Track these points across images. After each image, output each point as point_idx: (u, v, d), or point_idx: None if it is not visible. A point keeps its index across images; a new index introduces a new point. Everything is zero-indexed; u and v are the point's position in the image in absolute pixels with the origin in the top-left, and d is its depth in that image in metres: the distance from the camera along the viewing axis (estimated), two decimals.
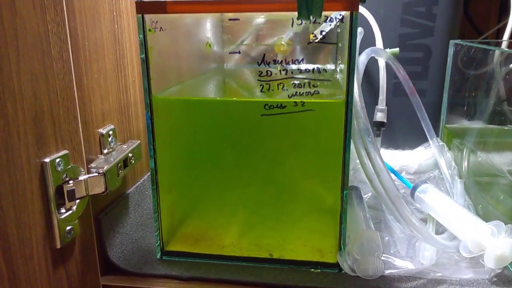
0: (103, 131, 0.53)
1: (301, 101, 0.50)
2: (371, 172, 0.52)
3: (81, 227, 0.47)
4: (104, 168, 0.48)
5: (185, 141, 0.56)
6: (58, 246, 0.43)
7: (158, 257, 0.58)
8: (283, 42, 0.52)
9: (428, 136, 0.81)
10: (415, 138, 0.89)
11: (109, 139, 0.54)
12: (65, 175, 0.44)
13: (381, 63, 0.78)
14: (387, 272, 0.52)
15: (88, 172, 0.48)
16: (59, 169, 0.43)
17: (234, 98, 0.53)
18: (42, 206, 0.41)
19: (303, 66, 0.51)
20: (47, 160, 0.41)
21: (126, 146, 0.57)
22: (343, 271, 0.54)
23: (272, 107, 0.51)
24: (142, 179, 0.66)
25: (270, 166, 0.54)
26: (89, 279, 0.50)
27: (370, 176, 0.52)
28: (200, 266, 0.56)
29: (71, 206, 0.45)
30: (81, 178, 0.46)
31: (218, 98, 0.58)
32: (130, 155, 0.55)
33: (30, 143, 0.39)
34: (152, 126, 0.54)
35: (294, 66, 0.51)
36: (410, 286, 0.50)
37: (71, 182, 0.45)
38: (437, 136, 0.84)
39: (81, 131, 0.47)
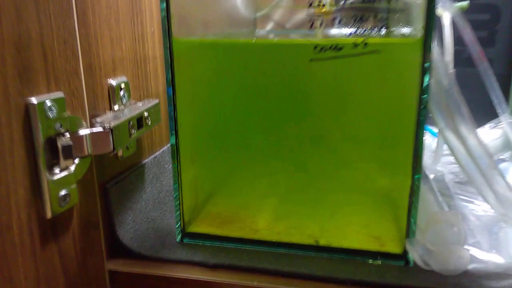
0: (113, 82, 0.43)
1: (363, 41, 0.39)
2: (453, 137, 0.40)
3: (81, 195, 0.37)
4: (112, 124, 0.38)
5: (213, 99, 0.45)
6: (49, 216, 0.33)
7: (178, 240, 0.47)
8: None
9: (499, 111, 0.68)
10: (479, 115, 0.76)
11: (121, 94, 0.44)
12: (59, 125, 0.34)
13: (446, 20, 0.66)
14: (470, 266, 0.40)
15: (91, 126, 0.38)
16: (51, 115, 0.33)
17: (275, 39, 0.42)
18: (26, 160, 0.31)
19: None
20: (34, 101, 0.31)
21: (141, 104, 0.46)
22: (410, 264, 0.43)
23: (324, 49, 0.40)
24: (162, 150, 0.56)
25: (319, 130, 0.43)
26: (91, 262, 0.40)
27: (451, 143, 0.40)
28: (228, 251, 0.45)
29: (67, 166, 0.35)
30: (81, 132, 0.36)
31: (254, 40, 0.47)
32: (145, 114, 0.45)
33: (9, 74, 0.29)
34: (173, 78, 0.44)
35: None
36: (504, 286, 0.38)
37: (67, 135, 0.35)
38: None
39: (83, 74, 0.37)
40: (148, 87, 0.51)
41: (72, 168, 0.36)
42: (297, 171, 0.47)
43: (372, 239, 0.45)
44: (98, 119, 0.39)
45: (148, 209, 0.50)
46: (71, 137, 0.35)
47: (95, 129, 0.37)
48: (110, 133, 0.38)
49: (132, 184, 0.48)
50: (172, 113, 0.45)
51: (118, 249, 0.45)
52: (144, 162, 0.51)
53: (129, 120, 0.41)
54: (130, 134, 0.41)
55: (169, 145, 0.57)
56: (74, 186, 0.36)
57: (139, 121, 0.44)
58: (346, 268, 0.42)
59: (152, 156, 0.53)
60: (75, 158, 0.36)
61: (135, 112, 0.43)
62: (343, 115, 0.42)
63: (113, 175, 0.45)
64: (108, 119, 0.39)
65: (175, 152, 0.46)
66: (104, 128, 0.37)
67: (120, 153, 0.45)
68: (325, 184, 0.46)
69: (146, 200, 0.50)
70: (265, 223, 0.48)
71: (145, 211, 0.49)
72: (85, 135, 0.36)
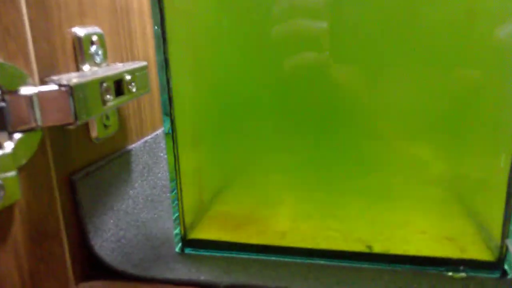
0: (80, 32, 0.31)
1: None
2: None
3: (27, 189, 0.25)
4: (73, 81, 0.25)
5: (221, 63, 0.33)
6: None
7: (177, 250, 0.35)
8: None
9: None
10: None
11: (92, 50, 0.32)
12: None
13: None
14: None
15: (42, 83, 0.26)
16: None
17: None
18: None
19: None
20: None
21: (122, 65, 0.34)
22: (510, 275, 0.30)
23: None
24: (156, 133, 0.43)
25: (369, 99, 0.31)
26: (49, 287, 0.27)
27: None
28: (246, 265, 0.33)
29: (0, 143, 0.23)
30: (24, 91, 0.24)
31: None
32: (128, 77, 0.32)
33: None
34: (164, 34, 0.31)
35: None
36: None
37: None
38: None
39: (25, 14, 0.25)
40: (132, 49, 0.38)
41: (9, 146, 0.23)
42: (336, 155, 0.34)
43: (446, 242, 0.33)
44: (54, 77, 0.27)
45: (137, 209, 0.38)
46: (5, 98, 0.23)
47: (45, 88, 0.25)
48: (70, 95, 0.25)
49: (113, 176, 0.35)
50: (165, 82, 0.32)
51: (93, 267, 0.32)
52: (130, 147, 0.38)
53: (101, 81, 0.29)
54: (104, 102, 0.29)
55: None
56: (13, 174, 0.23)
57: (118, 85, 0.31)
58: (418, 284, 0.29)
59: (142, 141, 0.40)
60: (14, 131, 0.24)
61: (111, 72, 0.30)
62: (401, 68, 0.30)
63: (85, 163, 0.32)
64: (68, 77, 0.27)
65: (171, 137, 0.33)
66: (60, 85, 0.25)
67: (94, 132, 0.33)
68: (376, 171, 0.34)
69: (135, 197, 0.38)
70: (294, 224, 0.35)
71: (132, 213, 0.37)
72: (31, 95, 0.24)
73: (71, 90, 0.25)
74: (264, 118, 0.35)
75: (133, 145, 0.39)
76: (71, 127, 0.26)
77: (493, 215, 0.32)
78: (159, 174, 0.42)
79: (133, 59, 0.39)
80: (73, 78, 0.26)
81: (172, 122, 0.34)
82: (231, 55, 0.34)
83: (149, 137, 0.41)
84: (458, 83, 0.30)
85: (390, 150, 0.34)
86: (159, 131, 0.44)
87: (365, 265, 0.32)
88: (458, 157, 0.33)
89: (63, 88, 0.25)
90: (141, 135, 0.41)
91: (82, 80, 0.27)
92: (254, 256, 0.34)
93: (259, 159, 0.37)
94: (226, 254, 0.34)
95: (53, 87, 0.25)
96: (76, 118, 0.26)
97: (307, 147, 0.35)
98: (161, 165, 0.43)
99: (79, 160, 0.32)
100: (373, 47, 0.30)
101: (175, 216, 0.35)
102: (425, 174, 0.35)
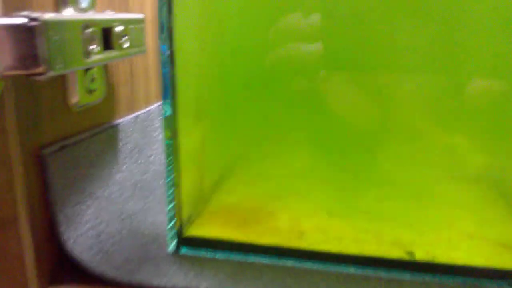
0: None
1: None
2: None
3: None
4: (46, 16, 0.19)
5: (231, 21, 0.27)
6: None
7: (170, 250, 0.28)
8: None
9: None
10: None
11: None
12: None
13: None
14: None
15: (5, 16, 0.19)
16: None
17: None
18: None
19: None
20: None
21: (113, 13, 0.27)
22: None
23: None
24: (149, 108, 0.36)
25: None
26: None
27: None
28: (257, 271, 0.26)
29: None
30: None
31: None
32: (119, 28, 0.26)
33: None
34: None
35: None
36: None
37: None
38: None
39: None
40: (127, 0, 0.32)
41: None
42: (364, 138, 0.28)
43: (502, 249, 0.27)
44: (24, 12, 0.20)
45: (123, 198, 0.31)
46: None
47: (6, 20, 0.18)
48: (41, 34, 0.18)
49: (95, 155, 0.28)
50: (164, 32, 0.26)
51: (64, 268, 0.25)
52: (118, 122, 0.31)
53: (85, 24, 0.22)
54: (88, 53, 0.22)
55: (160, 102, 0.38)
56: None
57: (107, 36, 0.25)
58: None
59: (133, 115, 0.33)
60: None
61: (98, 17, 0.24)
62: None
63: (60, 135, 0.26)
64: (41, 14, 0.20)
65: (170, 118, 0.27)
66: (29, 19, 0.18)
67: (74, 96, 0.26)
68: (412, 163, 0.28)
69: (121, 183, 0.31)
70: (316, 221, 0.29)
71: (117, 202, 0.30)
72: None
73: (43, 27, 0.19)
74: (278, 94, 0.29)
75: (122, 120, 0.32)
76: (41, 78, 0.19)
77: None
78: (152, 157, 0.36)
79: (127, 11, 0.32)
80: (47, 15, 0.20)
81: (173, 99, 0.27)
82: (240, 27, 0.27)
83: (142, 111, 0.35)
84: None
85: (427, 139, 0.28)
86: (154, 106, 0.37)
87: (407, 276, 0.26)
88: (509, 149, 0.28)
89: (32, 23, 0.18)
90: (132, 108, 0.34)
91: (59, 18, 0.20)
92: (266, 260, 0.27)
93: (272, 141, 0.31)
94: (231, 257, 0.28)
95: (16, 19, 0.18)
96: (48, 66, 0.19)
97: (329, 128, 0.29)
98: (154, 147, 0.36)
99: (53, 131, 0.25)
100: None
101: (169, 207, 0.28)
102: (468, 168, 0.29)
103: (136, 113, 0.34)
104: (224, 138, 0.32)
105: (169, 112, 0.26)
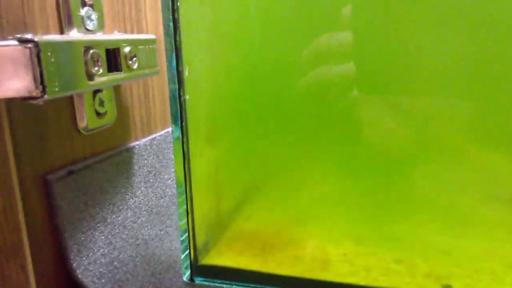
0: None
1: None
2: None
3: None
4: (41, 38, 0.18)
5: (246, 39, 0.26)
6: None
7: (185, 279, 0.27)
8: None
9: None
10: None
11: (83, 11, 0.25)
12: None
13: None
14: None
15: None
16: None
17: None
18: None
19: None
20: None
21: (120, 34, 0.26)
22: None
23: None
24: (166, 130, 0.35)
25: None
26: None
27: None
28: None
29: None
30: None
31: None
32: (127, 49, 0.25)
33: None
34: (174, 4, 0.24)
35: None
36: None
37: None
38: None
39: None
40: (140, 20, 0.31)
41: None
42: (393, 161, 0.26)
43: None
44: (18, 35, 0.19)
45: (137, 223, 0.30)
46: None
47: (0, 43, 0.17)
48: (35, 55, 0.18)
49: (107, 179, 0.27)
50: (175, 65, 0.25)
51: None
52: (133, 145, 0.31)
53: (86, 45, 0.21)
54: (91, 76, 0.21)
55: None
56: None
57: (114, 58, 0.24)
58: None
59: (149, 138, 0.32)
60: None
61: (101, 38, 0.23)
62: None
63: (69, 160, 0.25)
64: (39, 36, 0.19)
65: (181, 131, 0.25)
66: (21, 41, 0.18)
67: (83, 120, 0.25)
68: (447, 185, 0.26)
69: (136, 208, 0.30)
70: (342, 250, 0.27)
71: (131, 227, 0.29)
72: None
73: (37, 49, 0.18)
74: (302, 116, 0.27)
75: (137, 143, 0.31)
76: (36, 102, 0.18)
77: None
78: (169, 181, 0.34)
79: (140, 33, 0.31)
80: (45, 37, 0.19)
81: (182, 120, 0.26)
82: (257, 45, 0.26)
83: (158, 134, 0.34)
84: None
85: (466, 160, 0.26)
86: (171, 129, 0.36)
87: None
88: None
89: (26, 45, 0.18)
90: (148, 131, 0.33)
91: (57, 38, 0.19)
92: None
93: (294, 165, 0.29)
94: (249, 287, 0.26)
95: (11, 42, 0.18)
96: (43, 90, 0.18)
97: (358, 150, 0.27)
98: (172, 170, 0.35)
99: (60, 156, 0.24)
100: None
101: (183, 237, 0.27)
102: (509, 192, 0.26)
103: (153, 135, 0.33)
104: (241, 161, 0.30)
105: (177, 134, 0.24)
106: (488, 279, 0.24)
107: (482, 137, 0.26)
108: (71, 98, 0.24)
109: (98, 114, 0.26)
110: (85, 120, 0.25)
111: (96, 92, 0.25)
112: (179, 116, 0.26)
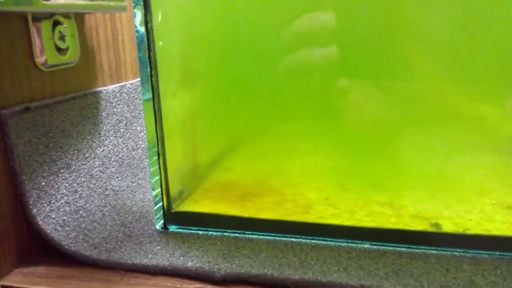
0: None
1: None
2: None
3: None
4: None
5: None
6: None
7: (158, 227, 0.25)
8: None
9: None
10: None
11: None
12: None
13: None
14: None
15: None
16: None
17: None
18: None
19: None
20: None
21: None
22: None
23: None
24: (138, 79, 0.33)
25: None
26: None
27: None
28: (254, 247, 0.22)
29: None
30: None
31: None
32: None
33: None
34: None
35: None
36: None
37: None
38: None
39: None
40: None
41: None
42: (378, 99, 0.25)
43: None
44: None
45: (106, 174, 0.28)
46: None
47: None
48: None
49: (72, 123, 0.25)
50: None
51: (34, 248, 0.22)
52: (99, 90, 0.28)
53: None
54: None
55: None
56: None
57: None
58: (509, 273, 0.19)
59: (118, 85, 0.30)
60: None
61: None
62: None
63: (24, 98, 0.22)
64: None
65: (148, 65, 0.23)
66: None
67: (41, 55, 0.23)
68: (431, 126, 0.24)
69: (104, 158, 0.28)
70: (325, 194, 0.25)
71: (99, 177, 0.27)
72: None
73: None
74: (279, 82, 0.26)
75: (104, 88, 0.29)
76: None
77: None
78: (142, 134, 0.32)
79: None
80: None
81: (151, 63, 0.24)
82: None
83: (129, 82, 0.31)
84: None
85: (454, 107, 0.24)
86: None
87: (433, 251, 0.22)
88: None
89: None
90: (118, 78, 0.31)
91: None
92: (266, 236, 0.24)
93: (276, 119, 0.27)
94: (227, 233, 0.24)
95: None
96: None
97: (337, 92, 0.26)
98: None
99: (16, 91, 0.22)
100: None
101: (154, 179, 0.25)
102: (499, 138, 0.25)
103: (123, 83, 0.31)
104: (220, 113, 0.29)
105: (145, 62, 0.22)
106: (478, 218, 0.23)
107: (470, 88, 0.24)
108: (27, 30, 0.22)
109: (59, 49, 0.24)
110: (44, 54, 0.23)
111: (55, 24, 0.23)
112: (148, 61, 0.24)
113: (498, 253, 0.21)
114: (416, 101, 0.25)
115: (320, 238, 0.23)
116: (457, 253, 0.21)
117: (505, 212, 0.23)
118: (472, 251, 0.21)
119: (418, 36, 0.23)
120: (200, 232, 0.24)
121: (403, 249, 0.22)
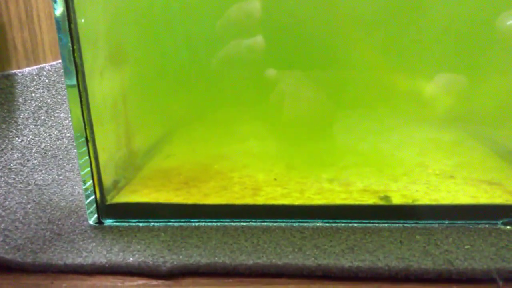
0: None
1: None
2: None
3: None
4: None
5: None
6: None
7: (92, 222, 0.22)
8: None
9: None
10: None
11: None
12: None
13: None
14: None
15: None
16: None
17: None
18: None
19: None
20: None
21: None
22: None
23: None
24: (59, 61, 0.30)
25: None
26: None
27: None
28: (202, 235, 0.21)
29: None
30: None
31: None
32: None
33: None
34: None
35: None
36: None
37: None
38: None
39: None
40: None
41: None
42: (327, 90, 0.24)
43: (489, 187, 0.23)
44: None
45: (27, 167, 0.24)
46: None
47: None
48: None
49: None
50: None
51: None
52: (13, 72, 0.25)
53: None
54: None
55: None
56: None
57: None
58: (471, 244, 0.19)
59: (36, 67, 0.27)
60: None
61: None
62: None
63: None
64: None
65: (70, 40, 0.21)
66: None
67: None
68: (372, 99, 0.24)
69: (23, 149, 0.24)
70: (273, 175, 0.24)
71: (19, 171, 0.24)
72: None
73: None
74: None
75: (19, 70, 0.25)
76: None
77: None
78: (67, 121, 0.29)
79: None
80: None
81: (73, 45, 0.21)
82: None
83: (49, 64, 0.28)
84: None
85: (392, 84, 0.24)
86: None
87: (385, 224, 0.21)
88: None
89: None
90: (35, 59, 0.27)
91: None
92: (214, 223, 0.22)
93: (212, 95, 0.26)
94: (170, 223, 0.22)
95: None
96: None
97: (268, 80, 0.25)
98: None
99: None
100: None
101: (84, 171, 0.22)
102: (437, 112, 0.25)
103: (41, 65, 0.27)
104: (156, 97, 0.26)
105: (66, 40, 0.20)
106: (425, 189, 0.23)
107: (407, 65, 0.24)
108: None
109: None
110: None
111: None
112: (70, 39, 0.21)
113: (447, 221, 0.21)
114: (348, 83, 0.24)
115: (271, 220, 0.22)
116: (408, 225, 0.21)
117: (450, 182, 0.24)
118: (422, 222, 0.21)
119: (345, 17, 0.23)
120: (141, 224, 0.22)
121: (356, 225, 0.21)
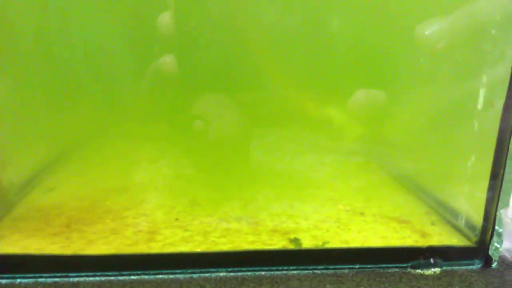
0: None
1: None
2: None
3: None
4: None
5: None
6: None
7: None
8: None
9: None
10: None
11: None
12: None
13: None
14: None
15: None
16: None
17: None
18: None
19: None
20: None
21: None
22: (493, 265, 0.20)
23: None
24: None
25: None
26: None
27: None
28: None
29: None
30: None
31: None
32: None
33: None
34: None
35: None
36: None
37: None
38: None
39: None
40: None
41: None
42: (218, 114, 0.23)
43: (398, 225, 0.22)
44: None
45: None
46: None
47: None
48: None
49: None
50: None
51: None
52: None
53: None
54: None
55: None
56: None
57: None
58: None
59: None
60: None
61: None
62: None
63: None
64: None
65: None
66: None
67: None
68: (274, 129, 0.23)
69: None
70: (173, 215, 0.22)
71: None
72: None
73: None
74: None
75: None
76: None
77: (457, 185, 0.22)
78: None
79: None
80: None
81: None
82: None
83: None
84: None
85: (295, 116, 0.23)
86: None
87: (294, 271, 0.19)
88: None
89: None
90: None
91: None
92: (97, 277, 0.18)
93: (112, 111, 0.23)
94: (42, 280, 0.18)
95: None
96: None
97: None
98: None
99: None
100: None
101: None
102: (342, 142, 0.25)
103: None
104: (37, 110, 0.23)
105: None
106: (335, 228, 0.22)
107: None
108: None
109: None
110: None
111: None
112: None
113: (358, 266, 0.20)
114: (261, 111, 0.23)
115: (168, 271, 0.19)
116: (318, 271, 0.19)
117: (360, 219, 0.23)
118: (333, 267, 0.20)
119: (262, 43, 0.22)
120: (3, 281, 0.18)
121: (263, 273, 0.19)
